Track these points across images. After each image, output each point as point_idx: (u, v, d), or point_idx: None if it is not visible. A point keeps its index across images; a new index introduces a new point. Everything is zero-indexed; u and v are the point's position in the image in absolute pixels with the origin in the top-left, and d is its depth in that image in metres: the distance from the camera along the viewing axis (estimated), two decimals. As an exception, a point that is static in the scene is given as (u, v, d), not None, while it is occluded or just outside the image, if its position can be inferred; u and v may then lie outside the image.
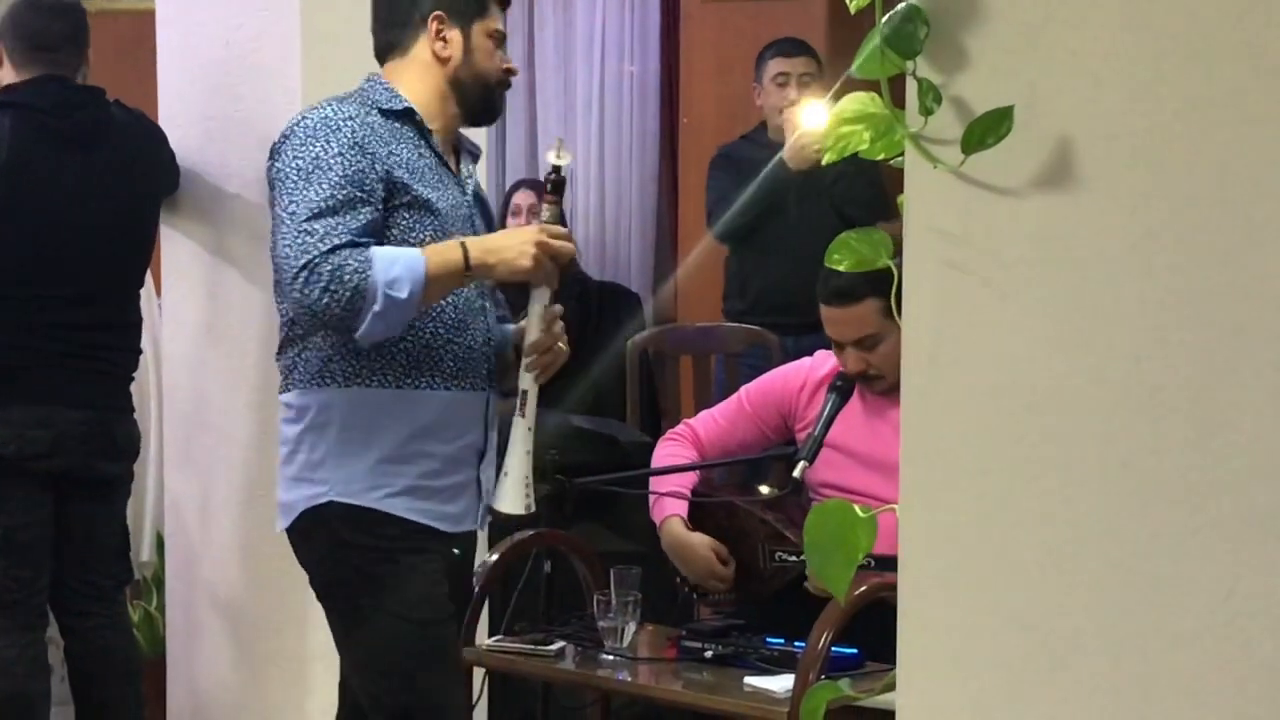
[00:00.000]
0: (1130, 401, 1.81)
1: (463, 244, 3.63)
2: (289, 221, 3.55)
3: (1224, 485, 1.76)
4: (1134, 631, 1.82)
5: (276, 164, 3.65)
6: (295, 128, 3.66)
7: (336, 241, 3.51)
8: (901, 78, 1.89)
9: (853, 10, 1.93)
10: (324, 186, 3.55)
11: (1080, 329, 1.84)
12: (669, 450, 4.63)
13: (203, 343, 5.07)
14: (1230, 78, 1.74)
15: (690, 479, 4.56)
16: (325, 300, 3.47)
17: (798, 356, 5.13)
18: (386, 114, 3.72)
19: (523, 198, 6.92)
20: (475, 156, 4.02)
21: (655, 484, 4.56)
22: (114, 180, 4.78)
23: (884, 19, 1.86)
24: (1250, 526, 1.75)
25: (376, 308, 3.49)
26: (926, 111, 1.85)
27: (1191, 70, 1.76)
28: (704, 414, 4.77)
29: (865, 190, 6.06)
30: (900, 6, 1.87)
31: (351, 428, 3.67)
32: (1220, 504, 1.76)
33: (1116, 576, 1.82)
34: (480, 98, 3.86)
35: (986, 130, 1.81)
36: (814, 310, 6.09)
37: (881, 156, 1.95)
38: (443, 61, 3.80)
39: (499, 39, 3.86)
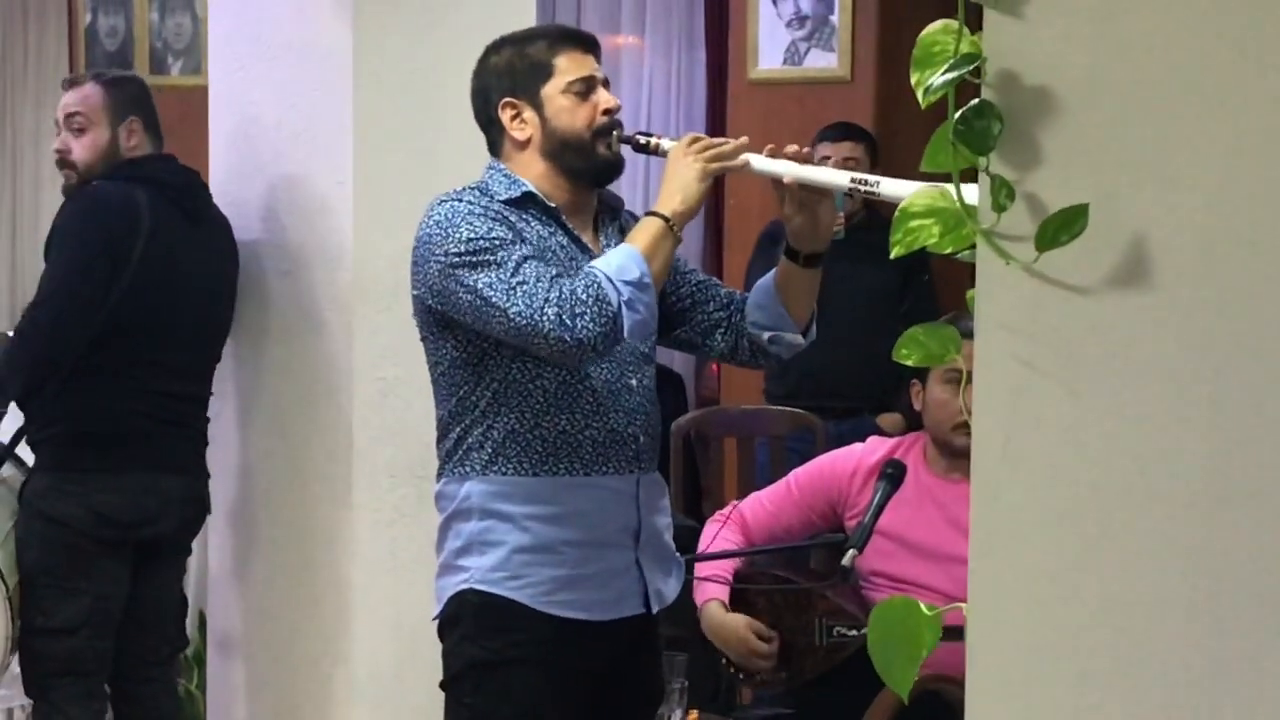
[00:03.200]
0: (1197, 506, 1.81)
1: (650, 212, 3.58)
2: (498, 290, 3.43)
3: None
4: (1200, 704, 1.81)
5: (432, 266, 3.53)
6: (427, 232, 3.56)
7: (549, 276, 3.44)
8: (970, 170, 1.90)
9: (924, 106, 1.94)
10: (497, 250, 3.46)
11: (1149, 431, 1.83)
12: (716, 531, 4.62)
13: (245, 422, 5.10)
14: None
15: (734, 562, 4.56)
16: (583, 325, 3.39)
17: (840, 440, 5.13)
18: (508, 203, 3.60)
19: None
20: (616, 212, 3.86)
21: (700, 568, 4.55)
22: (213, 259, 4.88)
23: (956, 114, 1.87)
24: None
25: (624, 297, 3.42)
26: (1000, 208, 1.85)
27: (1267, 173, 1.77)
28: (752, 497, 4.76)
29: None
30: (973, 102, 1.87)
31: (489, 516, 3.59)
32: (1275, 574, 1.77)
33: (1185, 660, 1.82)
34: (580, 158, 3.67)
35: (1060, 228, 1.81)
36: (855, 394, 6.15)
37: (949, 251, 1.95)
38: (526, 144, 3.66)
39: (582, 88, 3.67)
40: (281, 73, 5.03)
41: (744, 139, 3.65)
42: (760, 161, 3.60)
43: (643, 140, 3.71)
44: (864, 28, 7.21)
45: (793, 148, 3.60)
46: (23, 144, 10.35)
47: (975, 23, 1.90)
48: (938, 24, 1.93)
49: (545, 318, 3.39)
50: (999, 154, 1.86)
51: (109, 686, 4.87)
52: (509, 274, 3.44)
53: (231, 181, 4.99)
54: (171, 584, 5.00)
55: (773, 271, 3.76)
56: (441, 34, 4.98)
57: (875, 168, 6.41)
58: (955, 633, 1.95)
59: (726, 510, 4.69)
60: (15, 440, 4.82)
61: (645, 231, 3.54)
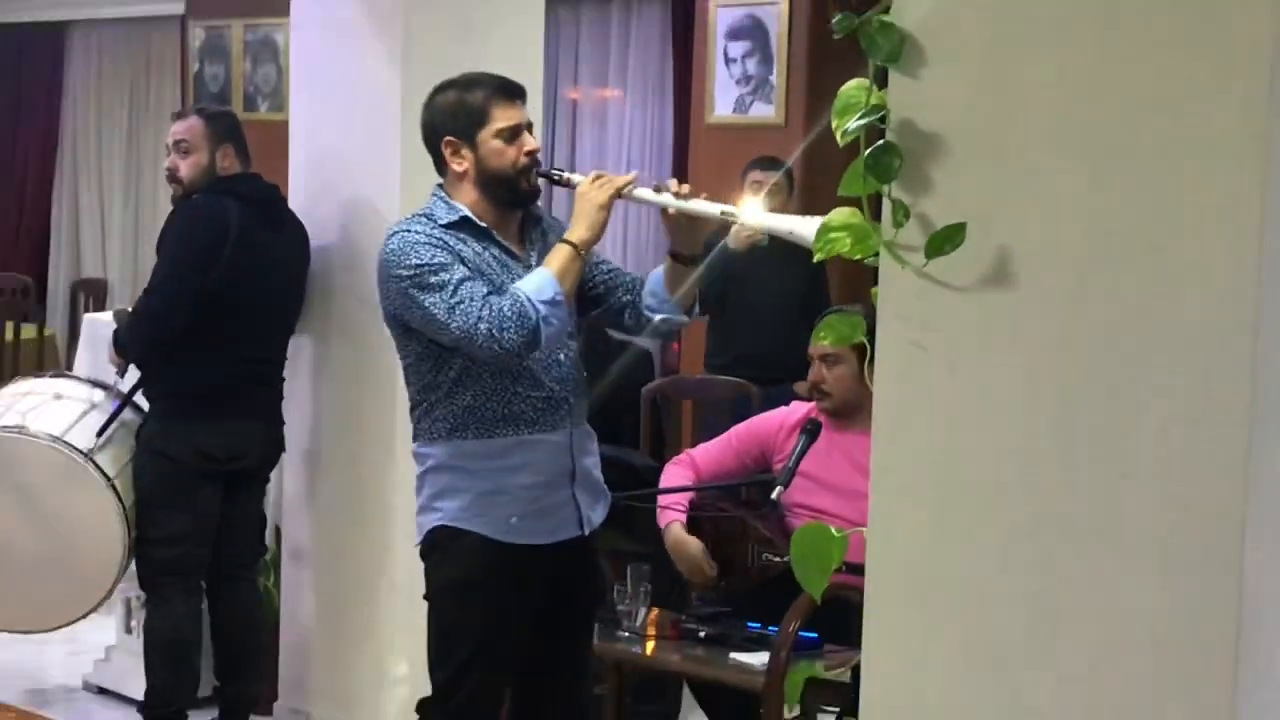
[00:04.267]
0: (1048, 453, 1.81)
1: (562, 239, 3.52)
2: (440, 309, 3.42)
3: (1118, 516, 1.77)
4: (1046, 622, 1.82)
5: (391, 287, 3.52)
6: (385, 258, 3.52)
7: (480, 294, 3.41)
8: (877, 195, 1.89)
9: (841, 145, 1.93)
10: (439, 273, 3.43)
11: (1008, 397, 1.84)
12: (673, 473, 4.62)
13: (314, 382, 5.10)
14: (1137, 207, 1.75)
15: (688, 495, 4.56)
16: (509, 337, 3.37)
17: (768, 403, 5.13)
18: (447, 226, 3.54)
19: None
20: (539, 219, 3.75)
21: (662, 499, 4.55)
22: (289, 256, 4.86)
23: (866, 151, 1.87)
24: (1134, 542, 1.76)
25: (542, 314, 3.40)
26: (898, 224, 1.85)
27: (1104, 201, 1.77)
28: (701, 446, 4.75)
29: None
30: (879, 142, 1.87)
31: (454, 471, 3.57)
32: (1113, 527, 1.77)
33: (1035, 581, 1.83)
34: (506, 189, 3.59)
35: (944, 240, 1.81)
36: (778, 367, 6.15)
37: (858, 257, 1.95)
38: (463, 175, 3.59)
39: (509, 134, 3.58)
40: (345, 111, 5.02)
41: (634, 174, 3.60)
42: (646, 193, 3.55)
43: (556, 176, 3.65)
44: (795, 85, 7.20)
45: (673, 183, 3.56)
46: (145, 164, 10.31)
47: (882, 81, 1.90)
48: (853, 82, 1.93)
49: (479, 332, 3.38)
50: (898, 183, 1.86)
51: (205, 583, 4.86)
52: (449, 295, 3.41)
53: (307, 196, 4.96)
54: (254, 505, 4.98)
55: (661, 267, 3.69)
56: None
57: (791, 190, 6.53)
58: (857, 569, 1.96)
59: (682, 456, 4.69)
60: (133, 391, 4.80)
61: (558, 256, 3.50)
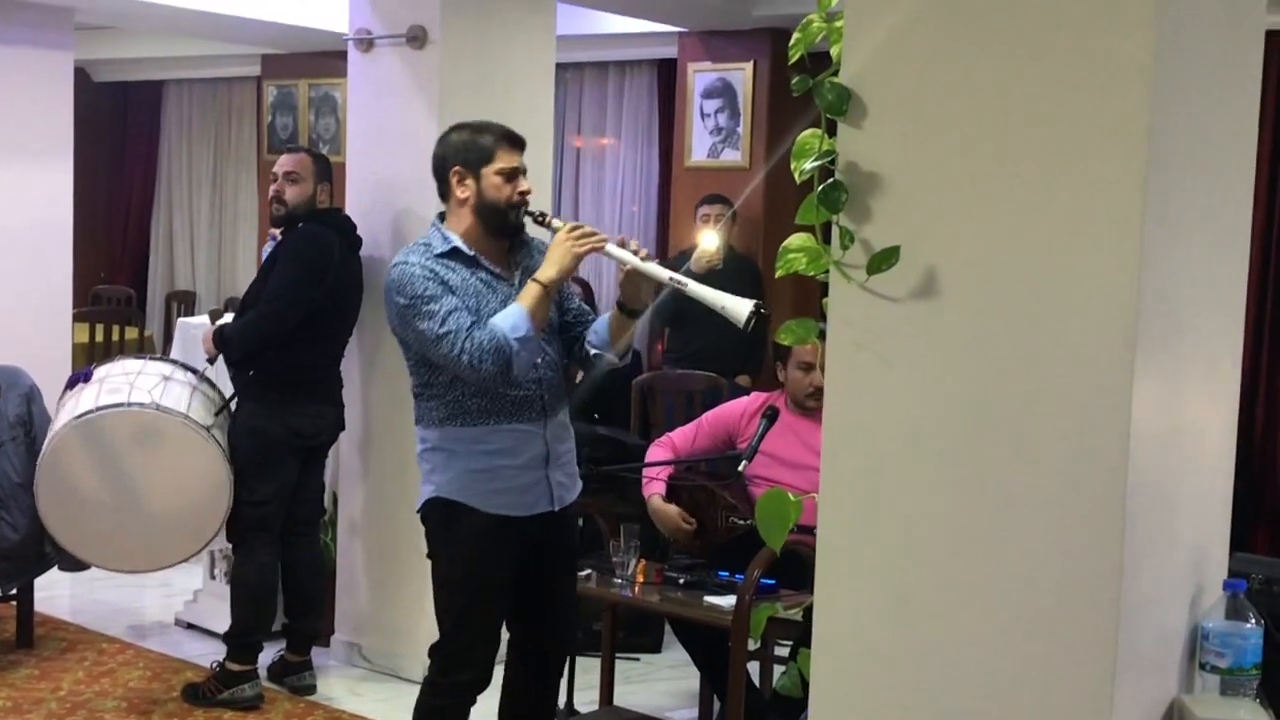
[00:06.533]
0: (968, 433, 1.82)
1: (533, 279, 3.44)
2: (430, 335, 3.38)
3: (1019, 484, 1.77)
4: (962, 569, 1.82)
5: (391, 309, 3.46)
6: (389, 284, 3.47)
7: (464, 327, 3.36)
8: (827, 223, 1.90)
9: (798, 182, 1.94)
10: (431, 303, 3.39)
11: (935, 389, 1.85)
12: (656, 452, 4.61)
13: (365, 375, 5.09)
14: (1032, 231, 1.75)
15: (669, 469, 4.55)
16: (487, 367, 3.34)
17: (733, 395, 5.13)
18: (441, 255, 3.48)
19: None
20: (524, 243, 3.63)
21: (646, 472, 4.54)
22: (359, 272, 4.86)
23: (819, 188, 1.87)
24: (1033, 506, 1.76)
25: (515, 349, 3.36)
26: (845, 247, 1.86)
27: (1008, 229, 1.78)
28: (679, 429, 4.74)
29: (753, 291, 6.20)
30: (829, 180, 1.88)
31: (445, 452, 3.50)
32: (1015, 493, 1.77)
33: (952, 537, 1.83)
34: (497, 220, 3.51)
35: (882, 260, 1.81)
36: (723, 364, 6.14)
37: (811, 273, 1.95)
38: (464, 201, 3.53)
39: (508, 174, 3.51)
40: (392, 153, 5.01)
41: (605, 236, 3.48)
42: (614, 250, 3.45)
43: (539, 217, 3.53)
44: (758, 135, 7.18)
45: (635, 243, 3.48)
46: (226, 196, 10.29)
47: (832, 131, 1.90)
48: (808, 131, 1.93)
49: (461, 361, 3.34)
50: (845, 213, 1.87)
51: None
52: (439, 324, 3.37)
53: (361, 219, 4.94)
54: (319, 475, 4.96)
55: (608, 314, 3.60)
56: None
57: (734, 221, 6.60)
58: (809, 530, 1.96)
59: (663, 437, 4.69)
60: (239, 387, 4.76)
61: (529, 295, 3.42)
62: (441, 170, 3.57)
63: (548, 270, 3.44)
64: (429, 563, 3.59)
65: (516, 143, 3.58)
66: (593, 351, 3.61)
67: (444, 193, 3.58)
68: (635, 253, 3.44)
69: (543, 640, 3.71)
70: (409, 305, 3.40)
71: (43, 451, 4.61)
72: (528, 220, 3.53)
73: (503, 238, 3.55)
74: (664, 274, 3.41)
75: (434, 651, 3.58)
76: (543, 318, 3.45)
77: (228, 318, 4.88)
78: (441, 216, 3.60)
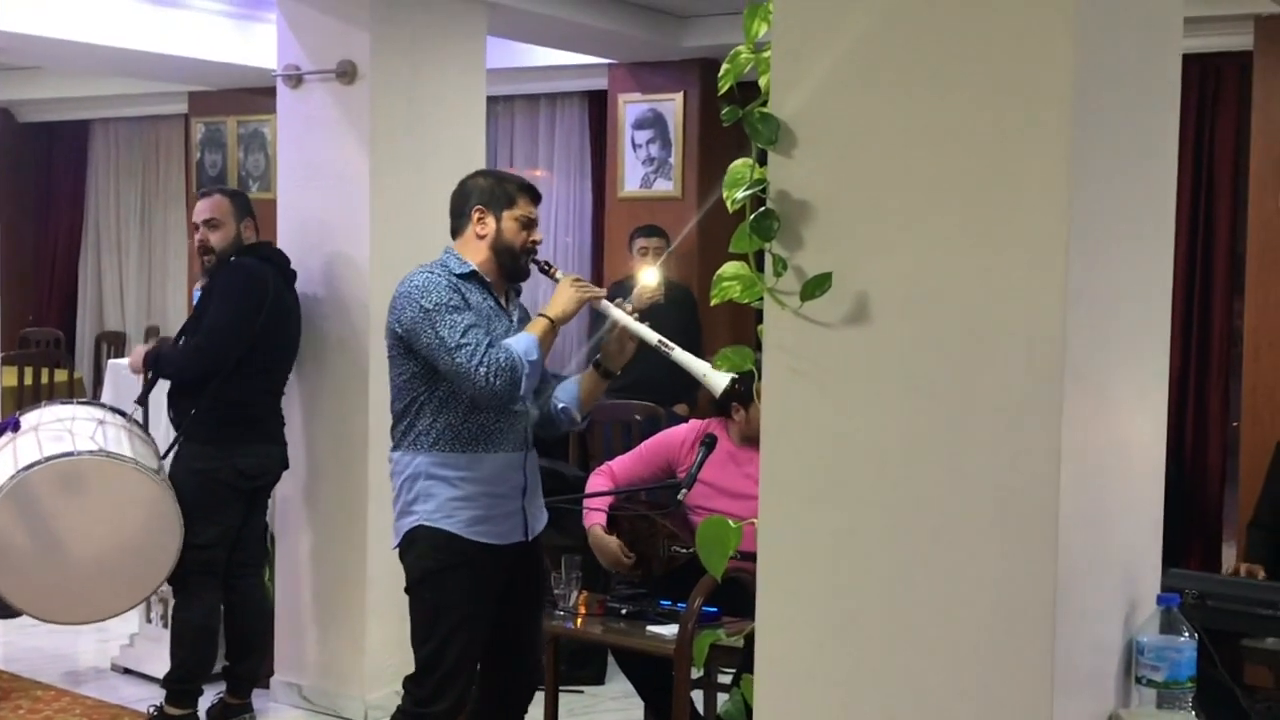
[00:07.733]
0: (902, 456, 1.83)
1: (541, 313, 3.58)
2: (448, 342, 3.44)
3: (953, 501, 1.79)
4: (901, 587, 1.83)
5: (408, 312, 3.52)
6: (409, 289, 3.53)
7: (482, 342, 3.44)
8: (760, 251, 1.91)
9: (731, 211, 1.95)
10: (453, 313, 3.46)
11: (867, 411, 1.86)
12: (596, 480, 4.61)
13: (306, 410, 5.05)
14: (958, 259, 1.78)
15: (609, 499, 4.55)
16: (499, 383, 3.42)
17: (671, 424, 5.14)
18: (459, 276, 3.56)
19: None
20: (518, 292, 3.79)
21: (587, 503, 4.54)
22: (296, 305, 4.82)
23: (751, 216, 1.89)
24: (968, 521, 1.78)
25: (526, 371, 3.45)
26: (778, 274, 1.87)
27: (934, 258, 1.80)
28: (618, 458, 4.74)
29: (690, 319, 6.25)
30: (761, 209, 1.89)
31: (431, 478, 3.54)
32: (950, 510, 1.79)
33: (889, 560, 1.84)
34: (509, 260, 3.63)
35: (815, 287, 1.83)
36: (661, 393, 6.15)
37: (746, 300, 1.96)
38: (482, 238, 3.63)
39: (525, 222, 3.64)
40: (324, 189, 5.00)
41: (603, 290, 3.68)
42: (609, 307, 3.59)
43: (545, 266, 3.66)
44: (690, 165, 7.22)
45: (629, 305, 3.61)
46: (155, 236, 10.19)
47: (763, 160, 1.92)
48: (739, 161, 1.94)
49: (477, 374, 3.42)
50: (777, 241, 1.88)
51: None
52: (459, 334, 3.44)
53: (294, 257, 4.91)
54: (262, 515, 4.89)
55: (580, 374, 3.74)
56: (430, 165, 4.99)
57: (670, 251, 6.65)
58: (749, 556, 1.97)
59: (603, 466, 4.69)
60: (183, 424, 4.65)
61: (538, 326, 3.56)
62: (462, 205, 3.68)
63: (554, 309, 3.59)
64: (399, 598, 3.60)
65: (536, 196, 3.73)
66: (560, 405, 3.71)
67: (458, 228, 3.69)
68: (629, 313, 3.59)
69: (511, 670, 3.73)
70: (434, 309, 3.48)
71: None
72: (533, 268, 3.66)
73: (510, 279, 3.70)
74: (653, 337, 3.56)
75: (411, 683, 3.59)
76: (547, 349, 3.58)
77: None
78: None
